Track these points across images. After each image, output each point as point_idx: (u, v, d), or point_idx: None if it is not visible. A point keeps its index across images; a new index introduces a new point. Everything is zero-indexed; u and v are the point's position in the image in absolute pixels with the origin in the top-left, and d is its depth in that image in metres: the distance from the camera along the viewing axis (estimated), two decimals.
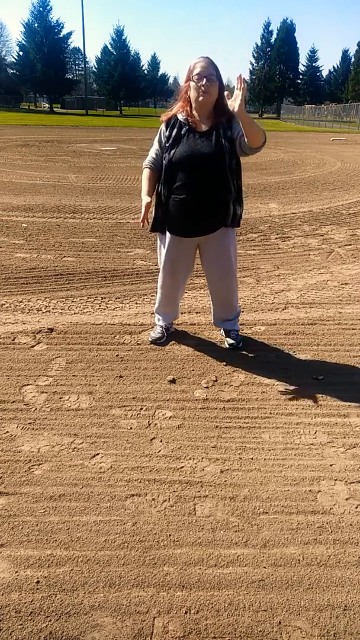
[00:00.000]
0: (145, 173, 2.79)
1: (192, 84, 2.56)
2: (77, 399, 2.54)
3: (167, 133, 2.69)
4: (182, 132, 2.65)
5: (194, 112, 2.65)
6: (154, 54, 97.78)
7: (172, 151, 2.66)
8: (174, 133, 2.66)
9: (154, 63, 74.19)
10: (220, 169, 2.65)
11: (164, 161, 2.71)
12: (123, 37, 56.44)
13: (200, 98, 2.55)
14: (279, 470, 2.07)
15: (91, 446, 2.19)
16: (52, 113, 50.10)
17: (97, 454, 2.14)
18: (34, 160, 12.28)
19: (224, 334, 3.19)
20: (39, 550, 1.67)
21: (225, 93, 2.61)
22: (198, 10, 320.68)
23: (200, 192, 2.67)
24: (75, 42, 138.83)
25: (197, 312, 3.63)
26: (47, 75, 50.77)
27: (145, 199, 2.68)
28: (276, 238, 5.71)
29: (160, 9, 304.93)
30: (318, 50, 76.52)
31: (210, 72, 2.52)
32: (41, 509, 1.84)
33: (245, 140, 2.55)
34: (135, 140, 19.72)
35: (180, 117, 2.67)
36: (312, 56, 64.06)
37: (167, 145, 2.68)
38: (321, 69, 65.59)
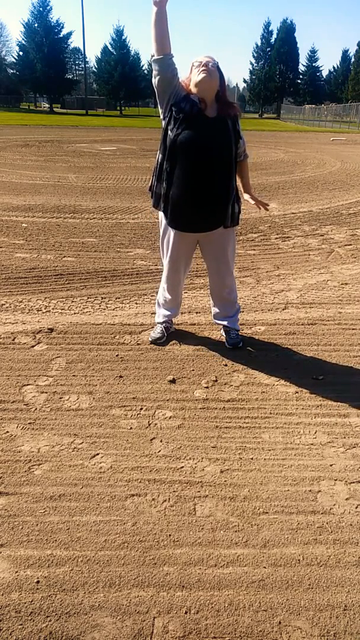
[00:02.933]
0: None
1: (194, 71, 2.55)
2: (77, 399, 2.54)
3: (182, 104, 2.59)
4: (194, 111, 2.58)
5: None
6: None
7: (180, 129, 2.58)
8: (186, 108, 2.58)
9: None
10: (226, 157, 2.66)
11: (169, 136, 2.61)
12: (123, 37, 56.47)
13: (202, 75, 2.51)
14: (279, 470, 2.07)
15: (91, 446, 2.19)
16: (52, 113, 50.10)
17: (97, 454, 2.14)
18: (34, 160, 12.27)
19: (224, 333, 3.20)
20: (39, 550, 1.67)
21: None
22: (198, 10, 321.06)
23: (203, 182, 2.65)
24: (75, 42, 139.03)
25: (197, 312, 3.63)
26: (47, 75, 50.80)
27: None
28: (276, 238, 5.71)
29: None
30: (318, 50, 76.83)
31: (210, 61, 2.55)
32: (41, 509, 1.84)
33: (239, 158, 2.82)
34: (135, 140, 19.72)
35: (194, 97, 2.60)
36: (312, 56, 64.09)
37: (177, 116, 2.58)
38: (321, 69, 65.70)
